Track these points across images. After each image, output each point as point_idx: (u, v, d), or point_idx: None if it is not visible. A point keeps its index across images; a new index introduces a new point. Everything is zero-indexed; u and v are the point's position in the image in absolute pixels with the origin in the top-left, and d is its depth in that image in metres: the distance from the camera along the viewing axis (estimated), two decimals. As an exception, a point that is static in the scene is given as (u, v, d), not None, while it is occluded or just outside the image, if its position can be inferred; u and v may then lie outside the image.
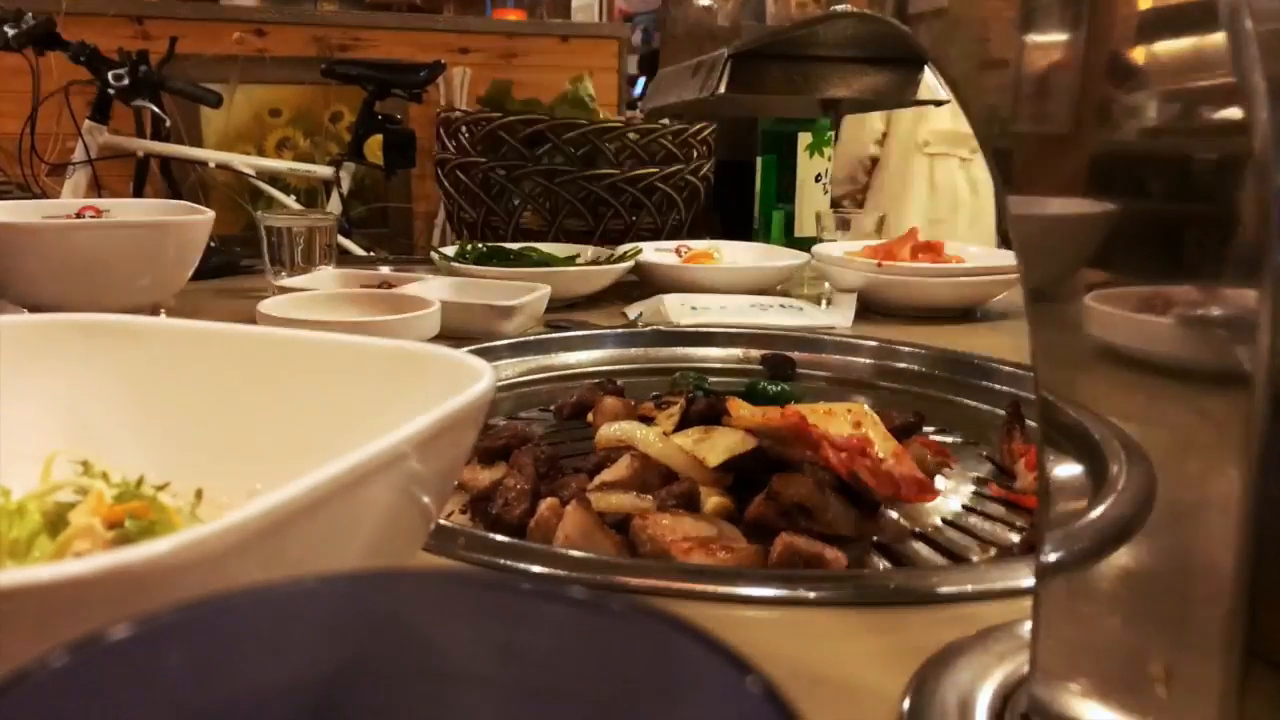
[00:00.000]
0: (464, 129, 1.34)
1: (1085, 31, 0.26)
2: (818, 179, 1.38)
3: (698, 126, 1.36)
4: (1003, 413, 0.72)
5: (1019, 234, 0.27)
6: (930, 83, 0.58)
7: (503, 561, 0.42)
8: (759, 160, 1.42)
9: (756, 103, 0.73)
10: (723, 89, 0.52)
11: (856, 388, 0.78)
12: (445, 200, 1.42)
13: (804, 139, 1.36)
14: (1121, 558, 0.26)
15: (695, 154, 1.37)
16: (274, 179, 2.78)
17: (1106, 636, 0.27)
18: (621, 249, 1.15)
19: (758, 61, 0.53)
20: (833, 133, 1.39)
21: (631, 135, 1.30)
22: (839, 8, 0.38)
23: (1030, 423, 0.62)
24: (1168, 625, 0.25)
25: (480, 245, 1.14)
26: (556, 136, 1.28)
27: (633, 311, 1.00)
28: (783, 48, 0.52)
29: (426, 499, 0.31)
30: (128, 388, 0.41)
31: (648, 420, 0.60)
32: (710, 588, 0.40)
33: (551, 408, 0.69)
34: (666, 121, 1.34)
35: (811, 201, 1.38)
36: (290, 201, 2.73)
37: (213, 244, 0.93)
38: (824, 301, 1.08)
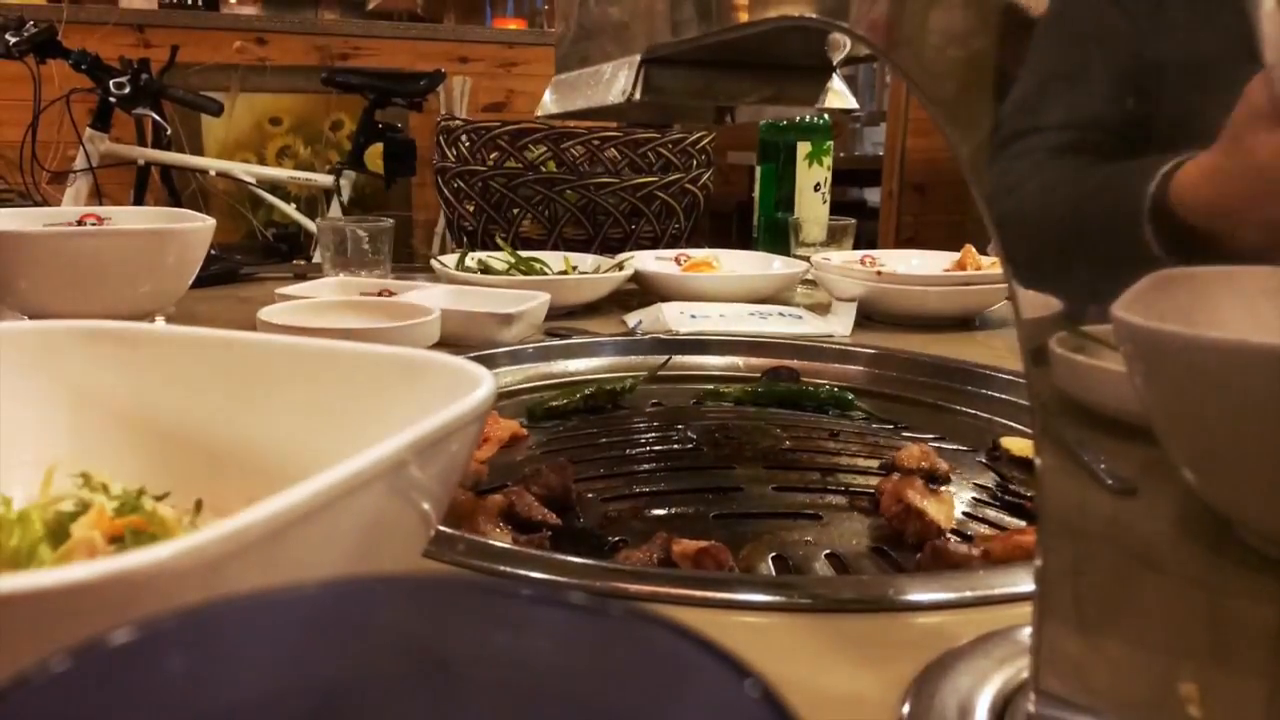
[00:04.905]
0: (464, 137, 1.34)
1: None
2: (816, 188, 1.38)
3: (697, 135, 1.37)
4: (1003, 420, 0.73)
5: (1028, 335, 0.26)
6: (840, 89, 0.59)
7: (502, 568, 0.42)
8: (758, 169, 1.42)
9: (662, 108, 0.73)
10: (638, 95, 0.52)
11: (856, 395, 0.78)
12: (445, 208, 1.42)
13: (803, 148, 1.37)
14: (1138, 566, 0.26)
15: (695, 163, 1.37)
16: (274, 187, 2.79)
17: (1121, 653, 0.26)
18: (619, 258, 1.15)
19: (671, 67, 0.53)
20: (830, 142, 1.39)
21: (630, 143, 1.31)
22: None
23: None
24: (1198, 640, 0.25)
25: (476, 259, 1.15)
26: (555, 144, 1.29)
27: (632, 320, 1.00)
28: (697, 54, 0.51)
29: (426, 505, 0.31)
30: (128, 395, 0.41)
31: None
32: (709, 593, 0.40)
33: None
34: (666, 129, 1.34)
35: (811, 211, 1.38)
36: (291, 210, 2.73)
37: (213, 252, 0.93)
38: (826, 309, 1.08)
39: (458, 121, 1.37)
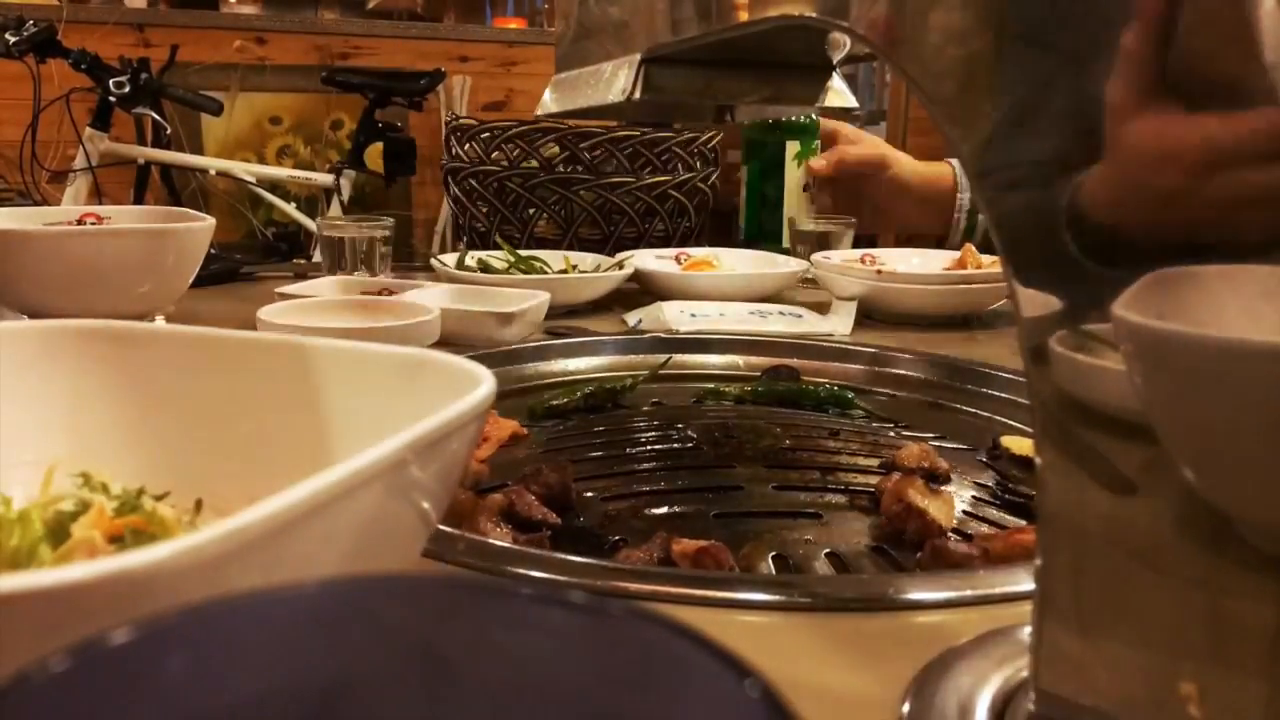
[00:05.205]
0: (478, 137, 1.34)
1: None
2: (805, 188, 1.38)
3: (707, 135, 1.36)
4: (1003, 419, 0.73)
5: (1028, 334, 0.27)
6: (840, 88, 0.59)
7: (502, 567, 0.42)
8: (744, 169, 1.42)
9: (662, 107, 0.74)
10: (638, 94, 0.52)
11: (856, 394, 0.78)
12: (455, 209, 1.42)
13: (791, 147, 1.36)
14: (1138, 566, 0.26)
15: (701, 163, 1.37)
16: (274, 186, 2.80)
17: (1121, 653, 0.26)
18: (619, 257, 1.15)
19: (671, 66, 0.53)
20: (818, 142, 1.39)
21: (645, 143, 1.31)
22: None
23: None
24: (1198, 640, 0.25)
25: (476, 258, 1.14)
26: (574, 145, 1.28)
27: (632, 318, 1.00)
28: (697, 53, 0.51)
29: (426, 504, 0.31)
30: (128, 394, 0.41)
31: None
32: (709, 593, 0.40)
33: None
34: (677, 128, 1.34)
35: (800, 211, 1.38)
36: (291, 209, 2.74)
37: (213, 251, 0.93)
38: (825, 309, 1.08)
39: (471, 121, 1.37)
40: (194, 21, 3.13)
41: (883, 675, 0.34)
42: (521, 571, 0.42)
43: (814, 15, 0.35)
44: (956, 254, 1.12)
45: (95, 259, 0.78)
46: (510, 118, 1.38)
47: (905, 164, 1.37)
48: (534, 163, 1.30)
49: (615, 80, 0.54)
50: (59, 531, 0.33)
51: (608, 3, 0.58)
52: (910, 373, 0.82)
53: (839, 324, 0.97)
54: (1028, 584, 0.40)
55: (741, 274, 1.17)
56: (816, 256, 1.12)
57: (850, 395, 0.76)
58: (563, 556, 0.45)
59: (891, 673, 0.34)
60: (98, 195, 2.43)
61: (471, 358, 0.37)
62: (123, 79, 2.35)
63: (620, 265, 1.12)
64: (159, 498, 0.36)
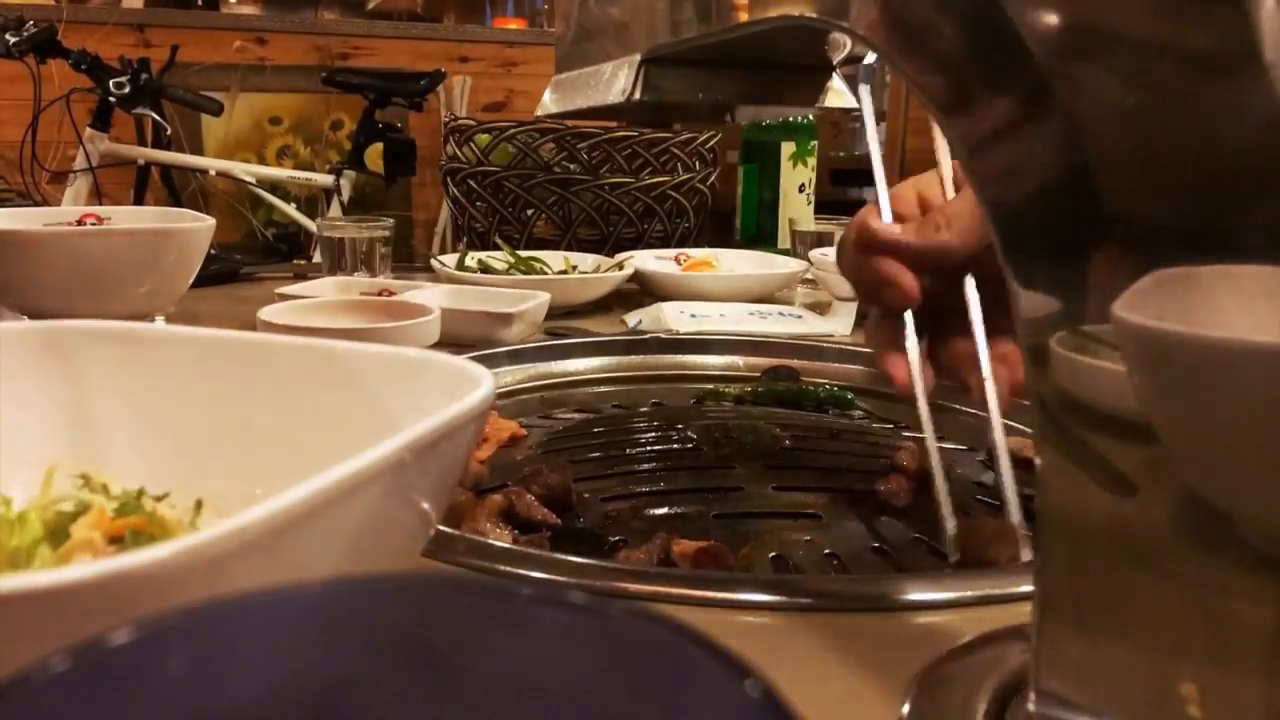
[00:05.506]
0: (477, 137, 1.34)
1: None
2: (801, 189, 1.38)
3: (706, 135, 1.36)
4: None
5: (1028, 334, 0.27)
6: (840, 89, 0.59)
7: (502, 567, 0.42)
8: (740, 170, 1.42)
9: (662, 108, 0.74)
10: (638, 95, 0.52)
11: (855, 395, 0.78)
12: (454, 209, 1.42)
13: (787, 149, 1.36)
14: (1139, 566, 0.26)
15: (700, 163, 1.38)
16: (274, 187, 2.80)
17: (1121, 653, 0.26)
18: (619, 257, 1.15)
19: (671, 66, 0.53)
20: (815, 142, 1.39)
21: (644, 144, 1.31)
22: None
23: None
24: (1198, 641, 0.25)
25: (476, 258, 1.14)
26: (572, 145, 1.28)
27: (632, 319, 1.00)
28: (697, 54, 0.51)
29: (426, 505, 0.31)
30: (129, 394, 0.41)
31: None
32: (709, 593, 0.40)
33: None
34: (677, 128, 1.34)
35: (797, 212, 1.38)
36: (291, 210, 2.74)
37: (213, 251, 0.93)
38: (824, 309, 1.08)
39: (470, 121, 1.36)
40: (194, 22, 3.13)
41: (883, 675, 0.34)
42: (521, 571, 0.42)
43: (814, 16, 0.35)
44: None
45: (96, 259, 0.78)
46: (510, 118, 1.38)
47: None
48: (534, 163, 1.30)
49: (615, 81, 0.55)
50: (59, 532, 0.33)
51: (608, 3, 0.58)
52: (910, 373, 0.82)
53: (839, 324, 0.97)
54: (1028, 584, 0.40)
55: (741, 274, 1.17)
56: (815, 254, 1.12)
57: (850, 396, 0.76)
58: (563, 557, 0.45)
59: (891, 673, 0.34)
60: (98, 196, 2.43)
61: (471, 358, 0.37)
62: (123, 79, 2.35)
63: (620, 266, 1.12)
64: (159, 498, 0.36)
